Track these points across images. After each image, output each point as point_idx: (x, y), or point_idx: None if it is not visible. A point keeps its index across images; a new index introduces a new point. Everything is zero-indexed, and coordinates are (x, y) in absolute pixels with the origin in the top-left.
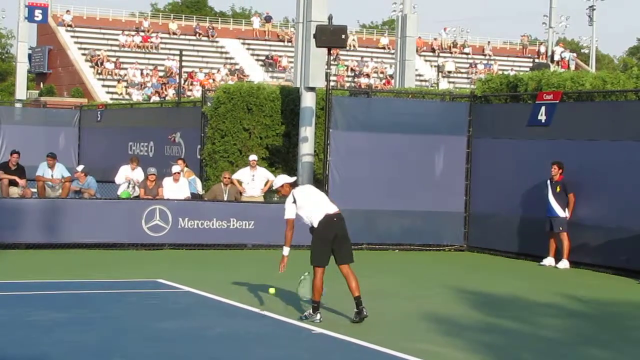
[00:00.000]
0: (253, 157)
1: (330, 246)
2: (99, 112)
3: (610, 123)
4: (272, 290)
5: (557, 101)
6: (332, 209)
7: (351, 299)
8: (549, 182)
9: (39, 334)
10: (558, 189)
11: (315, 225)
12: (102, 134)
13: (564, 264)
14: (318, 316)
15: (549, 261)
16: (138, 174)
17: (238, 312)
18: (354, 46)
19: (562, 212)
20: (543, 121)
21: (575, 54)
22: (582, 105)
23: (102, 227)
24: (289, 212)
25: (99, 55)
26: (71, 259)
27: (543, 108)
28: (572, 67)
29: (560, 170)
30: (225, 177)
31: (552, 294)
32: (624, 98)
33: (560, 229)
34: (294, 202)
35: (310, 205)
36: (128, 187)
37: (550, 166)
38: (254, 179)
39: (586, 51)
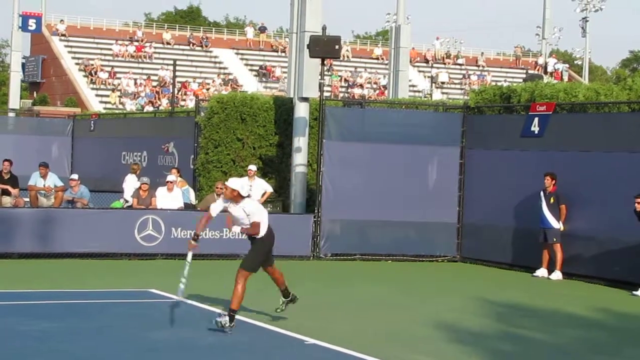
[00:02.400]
0: (252, 167)
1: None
2: (92, 122)
3: (604, 134)
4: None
5: (550, 112)
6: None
7: (344, 308)
8: (542, 193)
9: (30, 344)
10: (552, 200)
11: (262, 235)
12: (96, 144)
13: (557, 275)
14: (230, 326)
15: (542, 272)
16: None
17: None
18: (347, 57)
19: (555, 223)
20: (536, 132)
21: (568, 66)
22: (575, 116)
23: (94, 236)
24: (216, 210)
25: (92, 65)
26: (63, 269)
27: (536, 119)
28: (565, 78)
29: (554, 182)
30: (218, 187)
31: (548, 305)
32: (617, 110)
33: (554, 240)
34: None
35: (259, 216)
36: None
37: (543, 177)
38: (251, 190)
39: (579, 62)
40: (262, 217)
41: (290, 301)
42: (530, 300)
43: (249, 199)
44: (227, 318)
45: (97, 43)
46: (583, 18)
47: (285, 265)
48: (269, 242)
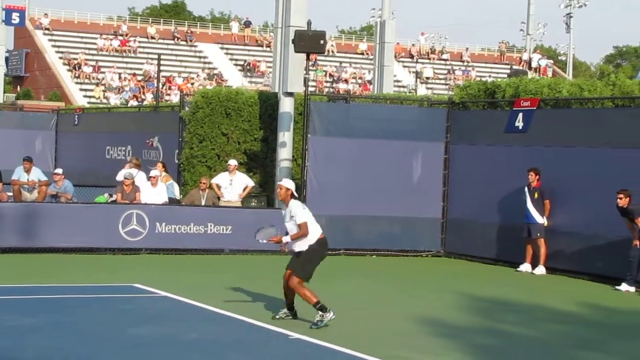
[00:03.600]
0: (232, 162)
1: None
2: (76, 116)
3: (587, 130)
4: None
5: (535, 108)
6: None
7: (328, 303)
8: (526, 188)
9: (14, 339)
10: (536, 196)
11: (313, 242)
12: (80, 138)
13: (541, 270)
14: (330, 314)
15: (525, 267)
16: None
17: (214, 317)
18: (332, 52)
19: (540, 219)
20: (520, 128)
21: (552, 61)
22: (559, 112)
23: (78, 231)
24: (305, 216)
25: (76, 59)
26: (47, 264)
27: (520, 115)
28: (550, 74)
29: (538, 177)
30: (202, 183)
31: (531, 299)
32: (600, 105)
33: (538, 235)
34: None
35: (305, 217)
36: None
37: (527, 173)
38: (232, 184)
39: (563, 58)
40: (308, 218)
41: (292, 316)
42: (514, 295)
43: (295, 201)
44: (319, 314)
45: (81, 37)
46: (567, 14)
47: (270, 260)
48: (322, 251)
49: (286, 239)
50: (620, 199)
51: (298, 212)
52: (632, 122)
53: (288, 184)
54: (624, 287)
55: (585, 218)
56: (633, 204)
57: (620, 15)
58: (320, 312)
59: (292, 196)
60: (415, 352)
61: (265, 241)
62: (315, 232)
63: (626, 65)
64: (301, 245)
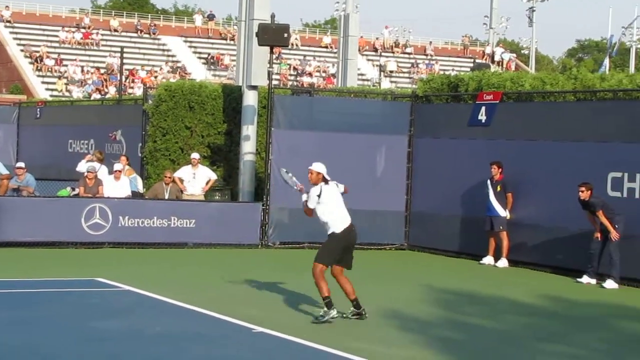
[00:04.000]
0: (195, 155)
1: (341, 253)
2: (38, 109)
3: (549, 123)
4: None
5: (497, 101)
6: (349, 218)
7: (292, 296)
8: (489, 181)
9: None
10: (499, 189)
11: (337, 231)
12: (42, 132)
13: (503, 262)
14: (333, 311)
15: (488, 260)
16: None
17: (178, 311)
18: (296, 45)
19: (502, 212)
20: (483, 121)
21: (515, 55)
22: (521, 105)
23: (40, 225)
24: (312, 203)
25: (38, 52)
26: (9, 258)
27: (483, 108)
28: (512, 67)
29: (500, 170)
30: (167, 177)
31: (494, 292)
32: (562, 99)
33: (501, 228)
34: (319, 195)
35: (333, 206)
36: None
37: (489, 166)
38: (195, 177)
39: (526, 52)
40: (317, 206)
41: (359, 315)
42: (477, 288)
43: (321, 185)
44: (324, 310)
45: (43, 30)
46: (530, 8)
47: (234, 253)
48: (343, 239)
49: (304, 197)
50: (582, 192)
51: (312, 194)
52: (594, 115)
53: (318, 167)
54: (585, 279)
55: (547, 211)
56: (594, 197)
57: (583, 9)
58: (325, 308)
59: (323, 179)
60: (379, 344)
61: (291, 179)
62: (338, 221)
63: (588, 59)
64: (328, 232)
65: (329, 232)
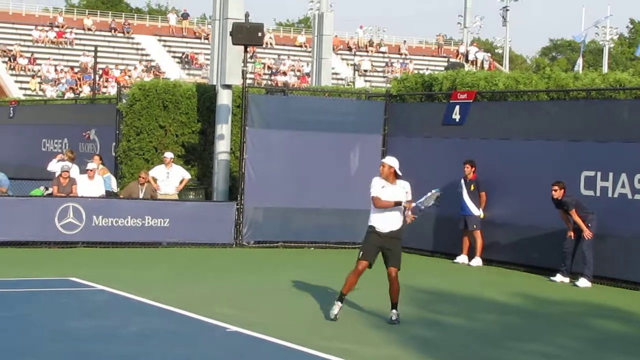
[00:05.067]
0: (168, 155)
1: (378, 250)
2: (11, 108)
3: (523, 122)
4: None
5: (471, 100)
6: (393, 225)
7: (266, 295)
8: (463, 181)
9: None
10: (472, 188)
11: (371, 224)
12: (15, 131)
13: (477, 261)
14: (336, 310)
15: (462, 259)
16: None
17: (152, 310)
18: (270, 44)
19: (476, 211)
20: (457, 120)
21: (489, 54)
22: (495, 104)
23: (13, 224)
24: (375, 191)
25: (11, 51)
26: None
27: (457, 107)
28: (486, 67)
29: (474, 169)
30: (141, 177)
31: (468, 291)
32: (535, 98)
33: (474, 227)
34: (383, 187)
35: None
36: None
37: (463, 165)
38: (168, 177)
39: (500, 51)
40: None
41: (394, 321)
42: (451, 287)
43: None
44: (336, 303)
45: (17, 28)
46: (504, 7)
47: (208, 252)
48: (369, 232)
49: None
50: (555, 191)
51: (375, 184)
52: (567, 114)
53: (391, 161)
54: (558, 277)
55: (520, 210)
56: (567, 196)
57: (556, 8)
58: (336, 302)
59: (396, 174)
60: (353, 343)
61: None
62: (378, 219)
63: (561, 58)
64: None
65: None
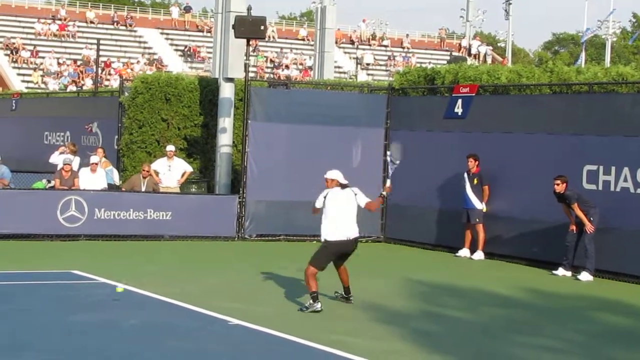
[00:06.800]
0: (170, 148)
1: (333, 259)
2: (14, 101)
3: (525, 116)
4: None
5: (474, 94)
6: (350, 232)
7: (268, 289)
8: (466, 174)
9: None
10: (475, 181)
11: (328, 239)
12: (17, 123)
13: (479, 255)
14: (318, 305)
15: (464, 252)
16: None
17: (154, 303)
18: (273, 37)
19: (479, 204)
20: (459, 114)
21: (491, 48)
22: (497, 98)
23: (16, 217)
24: (318, 202)
25: (14, 43)
26: None
27: (459, 101)
28: (489, 60)
29: (477, 163)
30: (144, 170)
31: (470, 284)
32: (538, 92)
33: (477, 220)
34: (325, 197)
35: (332, 213)
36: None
37: (466, 159)
38: (170, 170)
39: (502, 45)
40: (325, 210)
41: (346, 299)
42: (453, 280)
43: (336, 192)
44: (310, 302)
45: (19, 21)
46: (506, 1)
47: (210, 246)
48: (336, 248)
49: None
50: (557, 184)
51: (320, 194)
52: (569, 108)
53: (332, 174)
54: (560, 271)
55: (523, 204)
56: (570, 190)
57: (559, 2)
58: (310, 301)
59: (339, 185)
60: (356, 337)
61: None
62: (331, 229)
63: (564, 52)
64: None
65: (322, 239)
